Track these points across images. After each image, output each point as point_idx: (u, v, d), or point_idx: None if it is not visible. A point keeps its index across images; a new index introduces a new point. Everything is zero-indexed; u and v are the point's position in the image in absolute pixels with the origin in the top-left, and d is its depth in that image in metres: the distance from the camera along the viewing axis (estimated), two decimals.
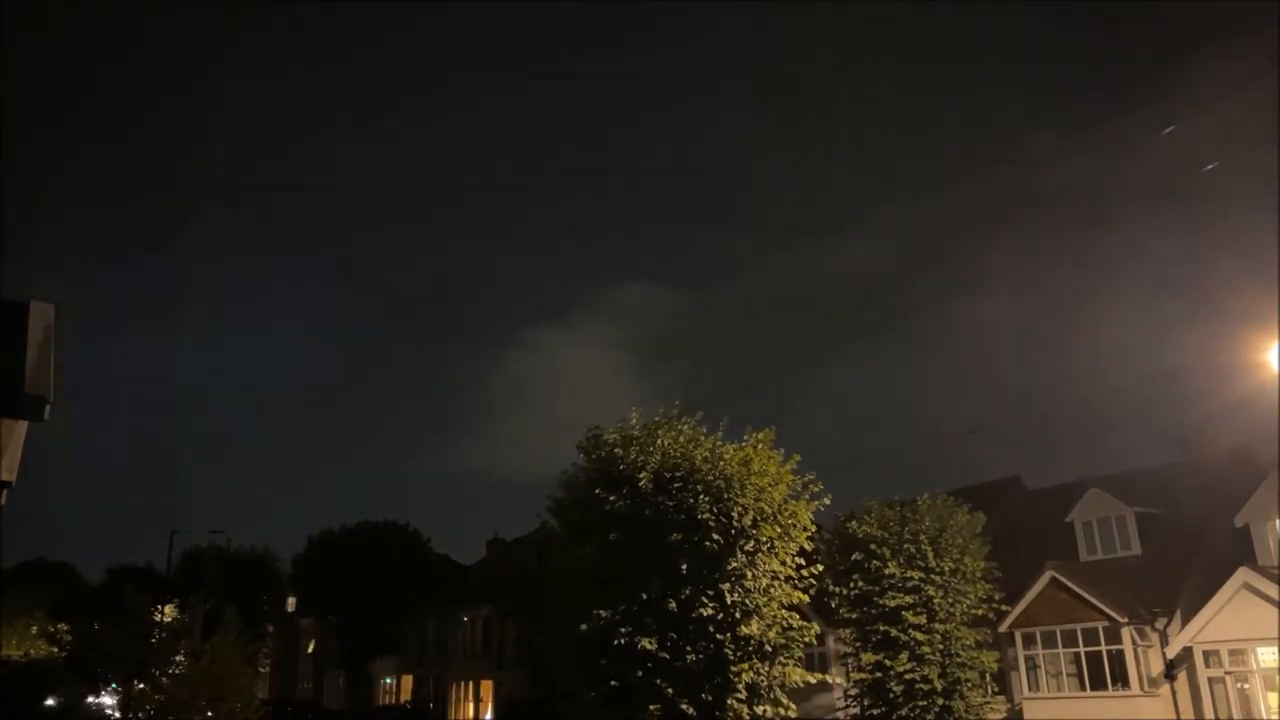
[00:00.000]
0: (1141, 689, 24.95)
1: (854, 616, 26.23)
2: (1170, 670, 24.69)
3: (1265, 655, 22.93)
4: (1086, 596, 26.01)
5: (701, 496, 17.87)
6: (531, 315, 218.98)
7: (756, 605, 17.97)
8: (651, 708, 17.18)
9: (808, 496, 19.29)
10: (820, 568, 19.97)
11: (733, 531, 17.95)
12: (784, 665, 18.23)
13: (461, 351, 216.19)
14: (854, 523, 26.58)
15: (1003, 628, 27.44)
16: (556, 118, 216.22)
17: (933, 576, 25.46)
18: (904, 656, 24.76)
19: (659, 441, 18.75)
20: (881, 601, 25.36)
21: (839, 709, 27.78)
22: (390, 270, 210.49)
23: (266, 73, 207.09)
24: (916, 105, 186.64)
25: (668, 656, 17.36)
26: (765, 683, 17.89)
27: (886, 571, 25.40)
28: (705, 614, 17.38)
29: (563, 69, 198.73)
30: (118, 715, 40.22)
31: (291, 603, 68.15)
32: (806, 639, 18.76)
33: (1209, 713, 23.68)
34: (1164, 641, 25.12)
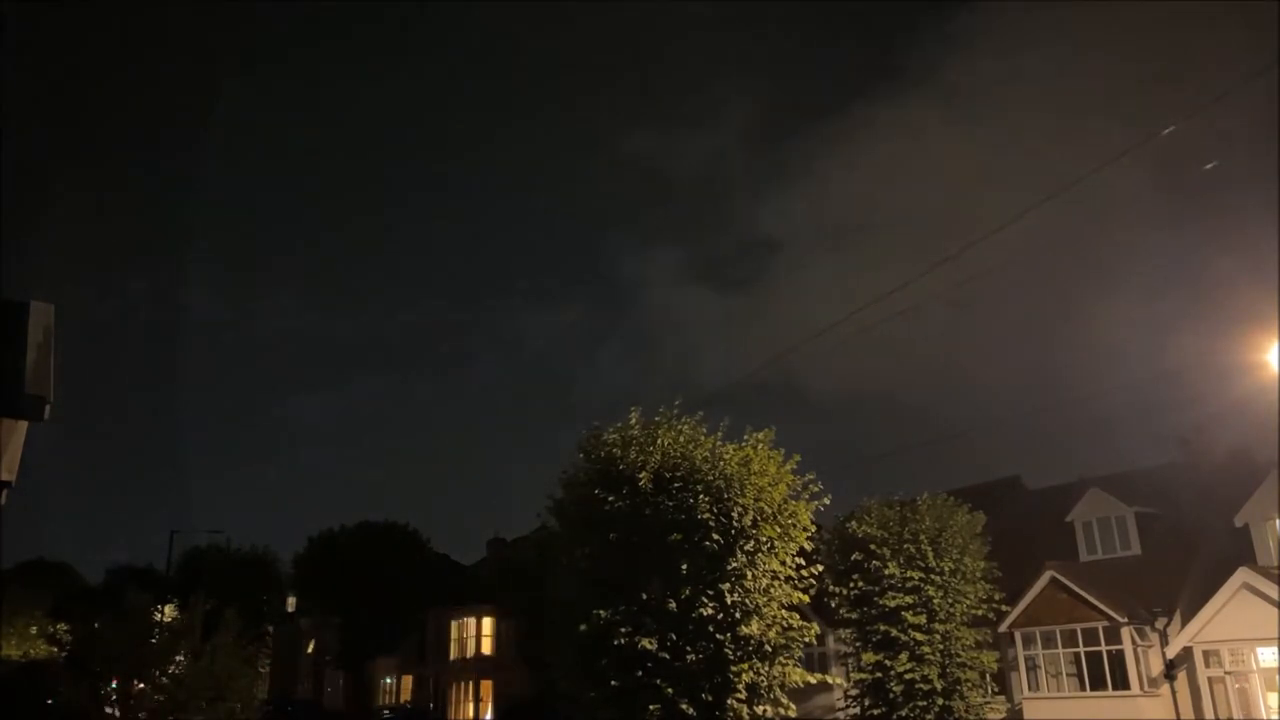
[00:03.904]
0: (1141, 689, 24.96)
1: (854, 616, 26.24)
2: (1170, 670, 24.70)
3: (1265, 655, 22.94)
4: (1086, 596, 26.02)
5: (701, 496, 17.86)
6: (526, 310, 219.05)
7: (756, 605, 17.95)
8: (652, 708, 17.17)
9: (807, 496, 19.28)
10: (820, 568, 19.96)
11: (733, 531, 17.94)
12: (784, 665, 18.22)
13: (460, 351, 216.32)
14: (854, 523, 26.58)
15: (1003, 628, 27.45)
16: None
17: (933, 576, 25.45)
18: (904, 656, 24.77)
19: (659, 441, 18.73)
20: (881, 601, 25.36)
21: (839, 709, 27.80)
22: (387, 272, 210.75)
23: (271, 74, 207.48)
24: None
25: (668, 656, 17.36)
26: (765, 683, 17.87)
27: (886, 571, 25.39)
28: (705, 614, 17.37)
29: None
30: (117, 715, 40.20)
31: (291, 603, 68.16)
32: (806, 639, 18.75)
33: (1209, 713, 23.69)
34: (1164, 641, 25.12)
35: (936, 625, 25.15)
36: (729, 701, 17.45)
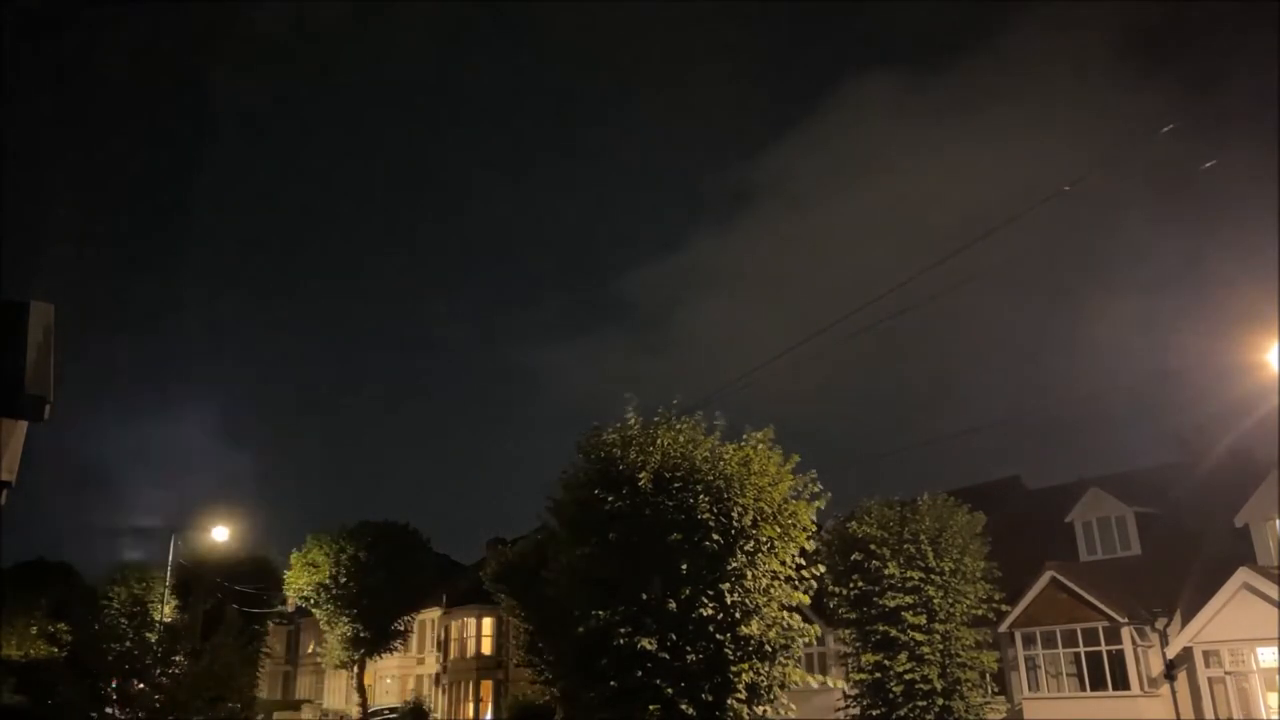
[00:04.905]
0: (1141, 689, 24.96)
1: (854, 617, 26.19)
2: (1170, 670, 24.70)
3: (1265, 655, 22.94)
4: (1086, 596, 26.01)
5: (701, 496, 17.82)
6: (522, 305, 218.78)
7: (756, 605, 17.93)
8: (651, 708, 17.14)
9: (808, 496, 19.24)
10: (821, 568, 19.92)
11: (733, 531, 17.90)
12: (784, 665, 18.20)
13: (459, 347, 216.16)
14: (854, 523, 26.55)
15: (1003, 628, 27.44)
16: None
17: (933, 576, 25.42)
18: (904, 657, 24.74)
19: (659, 441, 18.68)
20: (881, 602, 25.32)
21: (839, 709, 27.77)
22: (386, 273, 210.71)
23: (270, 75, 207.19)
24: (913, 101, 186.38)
25: (668, 657, 17.33)
26: (765, 683, 17.85)
27: (886, 572, 25.36)
28: (705, 614, 17.34)
29: None
30: (118, 716, 40.19)
31: (291, 603, 68.05)
32: (806, 639, 18.73)
33: (1209, 713, 23.69)
34: (1164, 641, 25.13)
35: (936, 625, 25.12)
36: (729, 701, 17.43)
